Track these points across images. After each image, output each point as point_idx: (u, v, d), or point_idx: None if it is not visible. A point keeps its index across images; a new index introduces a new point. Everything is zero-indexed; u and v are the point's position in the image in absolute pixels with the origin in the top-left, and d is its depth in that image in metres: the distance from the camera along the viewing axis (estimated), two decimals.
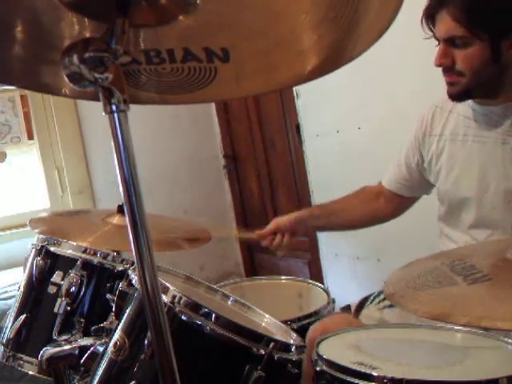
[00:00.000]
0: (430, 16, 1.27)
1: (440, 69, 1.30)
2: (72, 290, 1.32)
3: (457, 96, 1.30)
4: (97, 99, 0.66)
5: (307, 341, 1.29)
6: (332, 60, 0.76)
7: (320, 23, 0.71)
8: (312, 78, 0.78)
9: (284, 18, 0.72)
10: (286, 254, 1.65)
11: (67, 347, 1.23)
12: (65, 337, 1.30)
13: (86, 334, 1.28)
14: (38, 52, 0.75)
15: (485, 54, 1.22)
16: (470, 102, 1.35)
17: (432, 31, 1.29)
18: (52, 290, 1.34)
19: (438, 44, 1.28)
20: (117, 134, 0.64)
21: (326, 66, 0.77)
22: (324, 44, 0.75)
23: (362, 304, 1.45)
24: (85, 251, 1.36)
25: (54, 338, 1.31)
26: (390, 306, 1.35)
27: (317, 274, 2.74)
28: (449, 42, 1.24)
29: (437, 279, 0.86)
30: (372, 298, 1.46)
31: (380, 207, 1.62)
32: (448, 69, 1.27)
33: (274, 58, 0.78)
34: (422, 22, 1.29)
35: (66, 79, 0.63)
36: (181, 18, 0.71)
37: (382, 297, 1.42)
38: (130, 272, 1.09)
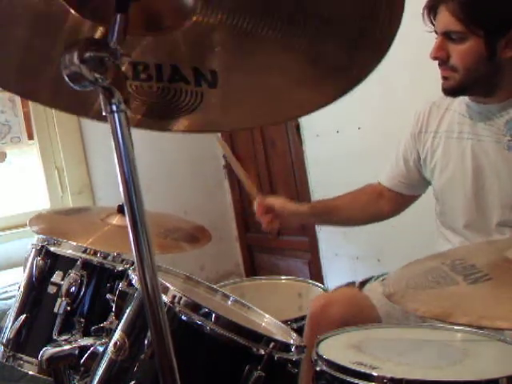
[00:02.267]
0: (431, 9, 1.28)
1: (439, 69, 1.30)
2: (72, 290, 1.32)
3: (450, 91, 1.31)
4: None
5: (310, 310, 1.30)
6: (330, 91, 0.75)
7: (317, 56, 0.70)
8: (308, 111, 0.77)
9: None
10: (273, 234, 1.63)
11: (67, 347, 1.23)
12: (65, 337, 1.30)
13: (86, 334, 1.28)
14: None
15: (479, 51, 1.22)
16: (465, 99, 1.35)
17: (433, 24, 1.29)
18: (52, 290, 1.34)
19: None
20: (117, 134, 0.64)
21: (322, 99, 0.76)
22: (320, 75, 0.74)
23: (365, 282, 1.46)
24: (85, 251, 1.36)
25: (54, 338, 1.31)
26: None
27: (317, 274, 2.73)
28: (445, 36, 1.25)
29: (437, 279, 0.86)
30: (375, 277, 1.46)
31: (380, 207, 1.61)
32: (442, 62, 1.28)
33: (264, 90, 0.76)
34: (423, 14, 1.29)
35: (67, 79, 0.63)
36: (175, 32, 0.70)
37: (385, 276, 1.42)
38: (129, 272, 1.09)
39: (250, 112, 0.80)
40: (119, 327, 1.00)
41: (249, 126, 0.92)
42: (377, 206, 1.62)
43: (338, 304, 1.29)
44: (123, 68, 0.66)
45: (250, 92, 0.76)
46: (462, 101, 1.36)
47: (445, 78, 1.30)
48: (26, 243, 1.47)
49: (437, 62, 1.30)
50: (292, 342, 1.03)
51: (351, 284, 1.47)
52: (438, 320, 0.74)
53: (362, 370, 0.85)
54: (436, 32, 1.29)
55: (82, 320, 1.32)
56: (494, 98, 1.29)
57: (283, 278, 1.82)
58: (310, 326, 1.28)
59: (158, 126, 0.88)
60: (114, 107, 0.64)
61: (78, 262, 1.34)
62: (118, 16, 0.66)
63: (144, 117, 0.81)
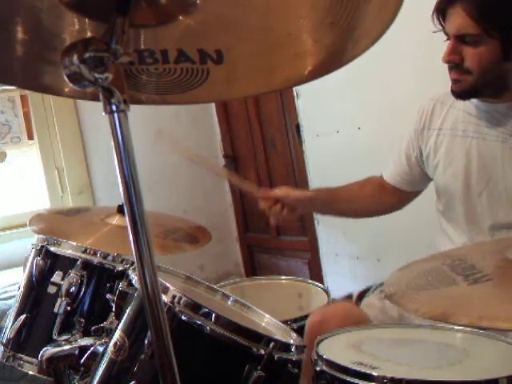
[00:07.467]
0: (441, 10, 1.26)
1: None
2: (72, 290, 1.32)
3: (461, 94, 1.30)
4: (97, 99, 0.66)
5: (306, 327, 1.29)
6: (328, 62, 0.77)
7: (317, 27, 0.71)
8: (307, 80, 0.78)
9: (281, 21, 0.72)
10: (277, 223, 1.62)
11: (67, 347, 1.23)
12: (65, 337, 1.30)
13: (86, 334, 1.28)
14: (38, 52, 0.75)
15: (495, 53, 1.21)
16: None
17: (442, 26, 1.28)
18: (52, 290, 1.34)
19: (448, 39, 1.27)
20: (117, 134, 0.64)
21: (321, 69, 0.77)
22: (320, 47, 0.75)
23: (363, 293, 1.45)
24: (85, 251, 1.36)
25: (54, 337, 1.31)
26: None
27: (317, 274, 2.74)
28: (459, 39, 1.23)
29: (437, 279, 0.86)
30: (374, 287, 1.46)
31: (384, 200, 1.61)
32: (455, 65, 1.26)
33: (268, 61, 0.78)
34: (432, 15, 1.28)
35: (66, 79, 0.63)
36: (180, 18, 0.71)
37: (383, 287, 1.42)
38: (129, 272, 1.09)
39: (254, 81, 0.83)
40: (119, 327, 1.00)
41: (255, 93, 0.98)
42: (381, 199, 1.61)
43: (336, 319, 1.27)
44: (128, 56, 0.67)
45: (254, 62, 0.79)
46: None
47: (456, 81, 1.28)
48: (26, 243, 1.47)
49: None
50: (292, 342, 1.03)
51: (349, 297, 1.46)
52: (438, 320, 0.74)
53: (362, 369, 0.85)
54: (446, 33, 1.27)
55: (82, 320, 1.32)
56: (502, 98, 1.29)
57: (283, 278, 1.82)
58: (308, 339, 1.27)
59: (163, 101, 0.91)
60: (114, 107, 0.64)
61: (78, 262, 1.34)
62: (119, 18, 0.66)
63: (149, 94, 0.84)
